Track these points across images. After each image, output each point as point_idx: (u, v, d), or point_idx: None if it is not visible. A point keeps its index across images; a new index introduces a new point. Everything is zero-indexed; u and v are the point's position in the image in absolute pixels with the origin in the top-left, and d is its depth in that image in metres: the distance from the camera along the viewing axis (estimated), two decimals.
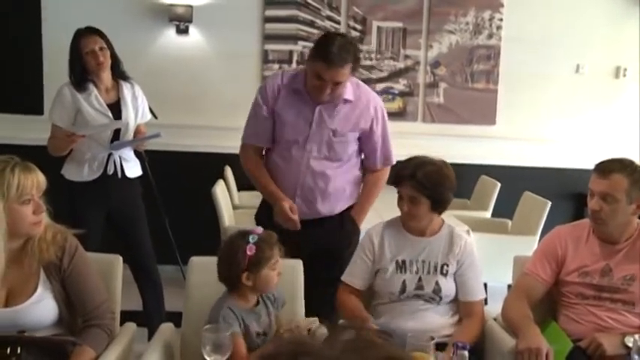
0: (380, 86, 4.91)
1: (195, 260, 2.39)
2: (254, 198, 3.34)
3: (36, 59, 4.59)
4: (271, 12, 4.77)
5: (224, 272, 2.05)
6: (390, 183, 2.35)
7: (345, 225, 2.79)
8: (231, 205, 4.24)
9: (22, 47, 4.56)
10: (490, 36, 4.91)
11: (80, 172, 3.24)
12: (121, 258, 2.32)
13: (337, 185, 2.72)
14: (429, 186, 2.26)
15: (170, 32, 4.70)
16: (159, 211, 4.31)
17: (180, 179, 4.62)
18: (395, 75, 4.94)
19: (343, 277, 2.42)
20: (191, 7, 4.59)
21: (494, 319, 2.41)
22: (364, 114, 2.68)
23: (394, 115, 4.93)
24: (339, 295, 2.40)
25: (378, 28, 4.89)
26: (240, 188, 4.58)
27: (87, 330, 1.96)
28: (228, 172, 4.53)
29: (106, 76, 3.25)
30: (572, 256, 2.32)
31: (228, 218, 3.93)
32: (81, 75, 3.20)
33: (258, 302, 2.09)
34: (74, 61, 3.20)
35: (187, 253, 4.47)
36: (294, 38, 4.81)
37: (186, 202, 4.55)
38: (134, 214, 3.40)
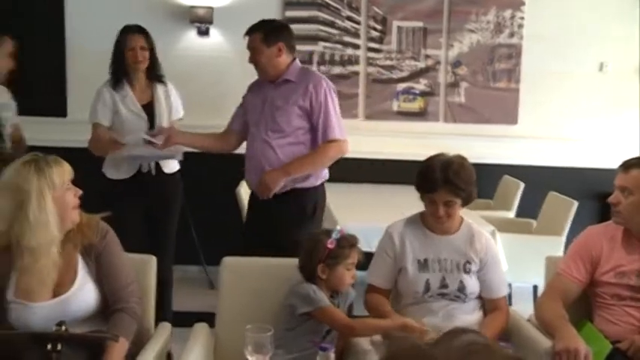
0: (401, 86, 4.90)
1: (227, 260, 2.39)
2: None
3: (59, 62, 4.62)
4: (291, 13, 4.76)
5: (303, 261, 2.22)
6: (424, 191, 2.31)
7: (290, 205, 2.97)
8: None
9: (46, 50, 4.57)
10: (512, 34, 4.88)
11: (117, 170, 3.31)
12: (154, 258, 2.33)
13: (282, 156, 2.94)
14: (464, 186, 2.25)
15: (191, 34, 4.71)
16: (183, 211, 4.32)
17: (204, 180, 4.63)
18: (415, 75, 4.92)
19: (368, 279, 2.41)
20: (211, 8, 4.60)
21: (528, 320, 2.39)
22: (303, 92, 2.93)
23: (415, 116, 4.93)
24: (367, 297, 2.39)
25: (399, 27, 4.88)
26: None
27: (114, 315, 2.00)
28: None
29: (142, 75, 3.34)
30: (607, 256, 2.30)
31: None
32: (120, 71, 3.29)
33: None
34: (116, 55, 3.30)
35: (211, 254, 4.53)
36: (314, 39, 4.81)
37: (210, 202, 4.56)
38: (167, 210, 3.43)
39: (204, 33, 4.67)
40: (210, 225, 4.54)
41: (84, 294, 1.96)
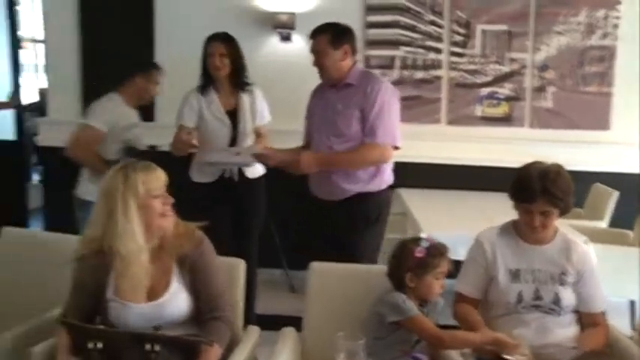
0: (484, 91, 4.78)
1: (315, 265, 2.38)
2: None
3: None
4: (373, 18, 4.73)
5: (392, 269, 2.19)
6: (520, 200, 2.23)
7: (354, 210, 2.94)
8: None
9: (136, 56, 4.72)
10: (604, 36, 4.66)
11: (201, 173, 3.38)
12: (243, 262, 2.36)
13: None
14: (562, 196, 2.16)
15: (274, 40, 4.75)
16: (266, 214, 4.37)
17: (287, 183, 4.65)
18: (500, 79, 4.78)
19: (457, 288, 2.34)
20: (294, 14, 4.63)
21: (631, 338, 2.26)
22: (362, 95, 2.90)
23: (499, 121, 4.79)
24: (456, 307, 2.32)
25: (483, 31, 4.76)
26: None
27: (210, 323, 2.00)
28: None
29: (226, 82, 3.40)
30: None
31: None
32: (206, 77, 3.39)
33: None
34: (202, 62, 3.40)
35: (293, 258, 4.55)
36: (395, 43, 4.75)
37: (293, 205, 4.59)
38: (251, 214, 3.46)
39: (286, 39, 4.71)
40: (292, 228, 4.56)
41: (176, 302, 1.98)
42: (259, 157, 3.18)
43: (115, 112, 3.53)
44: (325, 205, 3.03)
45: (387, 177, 3.05)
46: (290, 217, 4.53)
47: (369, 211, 2.97)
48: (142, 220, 1.92)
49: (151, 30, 4.74)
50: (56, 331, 1.99)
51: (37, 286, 2.46)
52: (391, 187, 3.10)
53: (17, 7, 5.22)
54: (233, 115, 3.40)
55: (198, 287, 2.01)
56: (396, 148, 2.97)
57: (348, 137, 2.91)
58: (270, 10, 4.67)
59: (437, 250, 2.15)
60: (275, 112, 4.58)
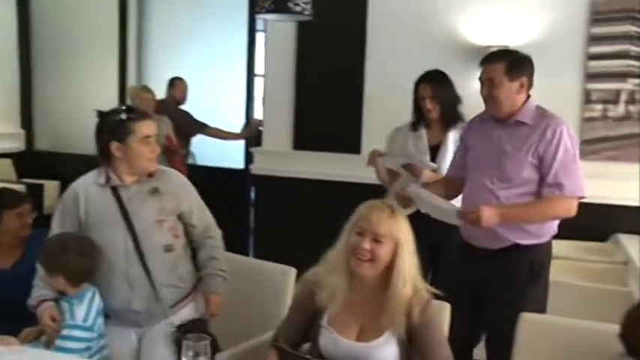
0: None
1: (526, 317, 2.21)
2: None
3: (357, 102, 4.88)
4: (597, 49, 4.39)
5: (627, 331, 1.90)
6: None
7: (521, 261, 2.60)
8: None
9: (346, 92, 4.87)
10: None
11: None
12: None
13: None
14: None
15: None
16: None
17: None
18: None
19: None
20: (508, 47, 4.46)
21: None
22: (539, 138, 2.56)
23: None
24: None
25: None
26: (557, 237, 4.24)
27: None
28: None
29: (436, 120, 3.42)
30: None
31: None
32: (417, 113, 3.46)
33: None
34: (414, 101, 3.46)
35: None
36: (622, 76, 4.35)
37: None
38: (446, 248, 3.27)
39: None
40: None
41: (385, 352, 1.92)
42: None
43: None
44: (478, 254, 2.71)
45: (554, 227, 2.71)
46: None
47: (527, 264, 2.63)
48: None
49: (362, 64, 4.86)
50: (268, 353, 2.06)
51: (255, 309, 2.60)
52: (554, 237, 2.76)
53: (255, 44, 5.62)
54: (435, 150, 3.40)
55: (415, 350, 1.93)
56: (581, 198, 2.60)
57: (515, 183, 2.59)
58: (482, 44, 4.55)
59: None
60: None
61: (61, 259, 2.24)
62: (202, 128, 5.30)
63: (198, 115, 5.38)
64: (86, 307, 2.23)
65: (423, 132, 3.42)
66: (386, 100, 4.63)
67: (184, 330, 2.22)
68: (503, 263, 2.63)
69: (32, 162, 6.20)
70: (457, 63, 4.63)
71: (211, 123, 5.39)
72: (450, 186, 2.93)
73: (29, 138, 6.35)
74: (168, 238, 2.38)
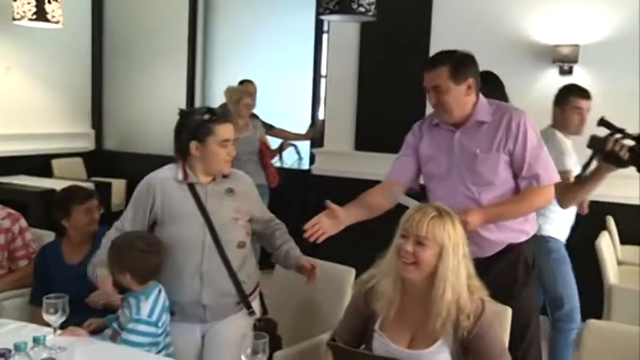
0: None
1: (593, 323, 2.13)
2: None
3: (419, 103, 4.81)
4: None
5: None
6: None
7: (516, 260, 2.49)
8: (616, 260, 3.80)
9: (408, 92, 4.80)
10: None
11: None
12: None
13: None
14: None
15: (552, 73, 4.49)
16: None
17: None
18: None
19: None
20: (577, 46, 4.33)
21: None
22: (506, 133, 2.44)
23: None
24: None
25: None
26: (623, 242, 4.10)
27: None
28: (611, 223, 4.10)
29: None
30: None
31: (613, 275, 3.51)
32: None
33: None
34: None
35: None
36: None
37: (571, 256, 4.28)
38: None
39: (566, 72, 4.42)
40: None
41: (436, 359, 1.88)
42: None
43: None
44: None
45: (533, 221, 2.62)
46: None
47: (526, 260, 2.53)
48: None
49: None
50: (324, 353, 2.06)
51: (315, 309, 2.62)
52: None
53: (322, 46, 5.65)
54: None
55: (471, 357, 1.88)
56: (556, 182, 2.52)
57: (496, 185, 2.46)
58: (551, 44, 4.43)
59: None
60: None
61: (128, 258, 2.29)
62: (268, 129, 5.37)
63: (265, 117, 5.45)
64: (152, 303, 2.28)
65: None
66: None
67: (259, 326, 2.32)
68: (499, 267, 2.49)
69: (101, 161, 6.42)
70: (524, 63, 4.55)
71: (277, 124, 5.45)
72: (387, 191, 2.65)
73: (99, 138, 6.59)
74: (242, 235, 2.46)
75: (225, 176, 2.48)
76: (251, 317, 2.46)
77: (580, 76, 4.39)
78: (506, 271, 2.48)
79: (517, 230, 2.52)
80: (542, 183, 2.44)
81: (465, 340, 1.86)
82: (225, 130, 2.41)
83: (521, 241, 2.53)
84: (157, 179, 2.44)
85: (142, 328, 2.23)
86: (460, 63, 2.47)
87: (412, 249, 1.87)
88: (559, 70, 4.45)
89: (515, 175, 2.48)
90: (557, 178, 2.50)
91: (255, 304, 2.51)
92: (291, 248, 2.56)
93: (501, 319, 2.11)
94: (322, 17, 3.86)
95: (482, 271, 2.31)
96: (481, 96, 2.52)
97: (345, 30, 5.02)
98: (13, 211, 2.99)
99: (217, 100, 5.65)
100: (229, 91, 4.92)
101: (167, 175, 2.45)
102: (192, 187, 2.41)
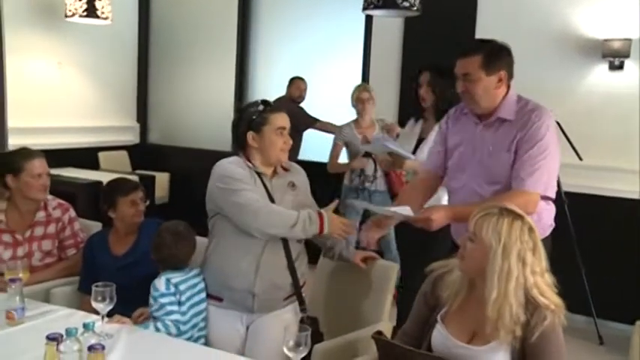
0: None
1: None
2: None
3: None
4: None
5: None
6: None
7: None
8: None
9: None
10: None
11: None
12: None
13: None
14: None
15: (602, 69, 4.38)
16: (575, 258, 4.04)
17: (604, 226, 4.26)
18: None
19: None
20: (629, 40, 4.21)
21: None
22: (521, 133, 2.35)
23: None
24: None
25: None
26: None
27: None
28: None
29: (429, 111, 3.54)
30: None
31: None
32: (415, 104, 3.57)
33: None
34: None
35: (603, 307, 4.14)
36: None
37: (608, 252, 4.17)
38: None
39: (617, 67, 4.30)
40: (605, 277, 4.14)
41: (494, 358, 1.82)
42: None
43: None
44: None
45: (549, 222, 2.50)
46: (603, 264, 4.11)
47: None
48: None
49: None
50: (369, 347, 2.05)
51: (357, 304, 2.61)
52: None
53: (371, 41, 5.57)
54: (420, 141, 3.56)
55: None
56: (546, 198, 2.40)
57: (506, 184, 2.37)
58: (601, 38, 4.32)
59: None
60: (596, 146, 4.26)
61: (161, 248, 2.45)
62: (314, 123, 5.38)
63: (311, 111, 5.46)
64: (187, 282, 2.42)
65: (419, 122, 3.56)
66: None
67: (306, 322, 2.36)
68: None
69: (145, 154, 6.54)
70: (572, 58, 4.45)
71: (324, 118, 5.44)
72: (425, 185, 2.69)
73: (143, 131, 6.70)
74: None
75: (286, 169, 2.54)
76: (299, 313, 2.46)
77: (631, 71, 4.28)
78: None
79: None
80: (524, 188, 2.31)
81: (525, 346, 1.79)
82: (279, 119, 2.47)
83: None
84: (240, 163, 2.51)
85: (167, 306, 2.35)
86: (494, 53, 2.40)
87: (464, 242, 1.86)
88: (609, 65, 4.33)
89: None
90: (545, 192, 2.36)
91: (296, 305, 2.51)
92: (342, 249, 2.62)
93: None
94: (366, 12, 3.84)
95: None
96: (511, 91, 2.45)
97: (388, 25, 4.99)
98: (63, 202, 3.06)
99: (262, 95, 5.67)
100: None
101: (235, 164, 2.49)
102: (260, 177, 2.47)
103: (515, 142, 2.36)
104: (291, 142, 2.50)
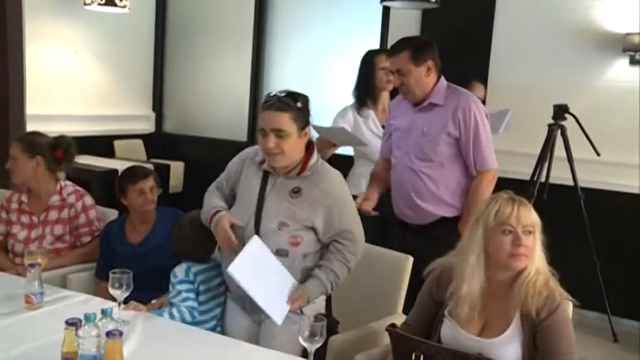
0: None
1: None
2: None
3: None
4: None
5: None
6: None
7: (439, 235, 2.70)
8: None
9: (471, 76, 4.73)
10: None
11: None
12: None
13: (431, 185, 2.79)
14: None
15: (622, 63, 4.34)
16: (590, 252, 4.01)
17: (619, 222, 4.23)
18: None
19: None
20: None
21: None
22: (451, 118, 2.73)
23: None
24: None
25: None
26: None
27: None
28: None
29: (385, 96, 3.46)
30: None
31: None
32: (365, 90, 3.48)
33: None
34: (363, 76, 3.50)
35: (618, 304, 4.12)
36: None
37: (624, 247, 4.14)
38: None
39: (638, 62, 4.26)
40: (620, 271, 4.12)
41: (504, 350, 1.84)
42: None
43: None
44: (410, 228, 2.93)
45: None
46: (618, 258, 4.08)
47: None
48: (487, 250, 1.84)
49: (488, 54, 4.72)
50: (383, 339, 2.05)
51: (371, 295, 2.62)
52: None
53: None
54: None
55: (540, 352, 1.83)
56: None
57: (436, 162, 2.79)
58: (621, 32, 4.27)
59: None
60: (613, 141, 4.22)
61: (182, 240, 2.44)
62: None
63: (326, 105, 5.41)
64: (207, 272, 2.43)
65: (371, 115, 3.49)
66: (511, 90, 4.48)
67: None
68: (435, 236, 2.73)
69: (160, 143, 6.55)
70: (592, 52, 4.41)
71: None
72: (387, 170, 3.03)
73: (159, 120, 6.72)
74: (282, 242, 2.19)
75: (300, 172, 2.23)
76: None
77: None
78: (444, 236, 2.46)
79: (451, 205, 2.80)
80: (489, 168, 2.75)
81: (536, 329, 1.82)
82: (262, 118, 2.21)
83: (454, 215, 2.80)
84: (249, 154, 2.37)
85: (184, 293, 2.37)
86: (420, 47, 2.78)
87: (525, 243, 1.81)
88: (629, 59, 4.29)
89: (464, 156, 2.77)
90: (495, 164, 2.78)
91: (311, 308, 2.26)
92: (315, 276, 2.22)
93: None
94: (385, 3, 3.83)
95: (424, 235, 2.82)
96: (442, 80, 2.82)
97: (405, 17, 4.96)
98: (79, 189, 3.08)
99: (278, 85, 5.65)
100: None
101: (253, 155, 2.36)
102: (265, 175, 2.29)
103: (447, 125, 2.73)
104: (283, 145, 2.15)
